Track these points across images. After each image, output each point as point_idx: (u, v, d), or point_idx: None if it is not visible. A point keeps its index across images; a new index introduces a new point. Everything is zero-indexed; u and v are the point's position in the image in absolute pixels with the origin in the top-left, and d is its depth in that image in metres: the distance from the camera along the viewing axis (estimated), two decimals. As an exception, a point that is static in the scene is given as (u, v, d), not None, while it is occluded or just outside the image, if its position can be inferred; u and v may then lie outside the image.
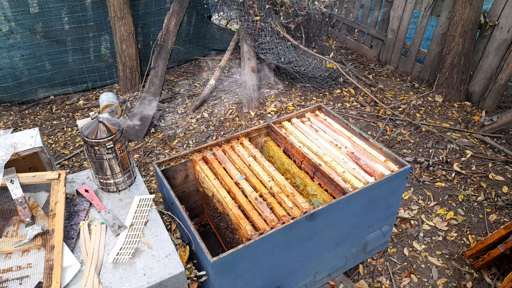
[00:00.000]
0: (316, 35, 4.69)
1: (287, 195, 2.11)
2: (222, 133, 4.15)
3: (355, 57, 5.71)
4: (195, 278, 1.84)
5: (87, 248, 1.71)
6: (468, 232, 2.96)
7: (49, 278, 1.54)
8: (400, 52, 5.16)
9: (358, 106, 4.52)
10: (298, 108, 4.47)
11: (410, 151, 3.77)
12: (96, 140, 1.82)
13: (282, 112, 4.40)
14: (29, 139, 2.19)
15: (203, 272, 1.84)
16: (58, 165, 3.79)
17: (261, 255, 1.86)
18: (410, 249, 2.85)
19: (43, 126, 4.42)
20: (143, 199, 1.97)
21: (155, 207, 1.95)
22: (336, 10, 5.80)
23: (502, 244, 2.35)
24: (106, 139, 1.83)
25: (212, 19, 6.00)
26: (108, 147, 1.85)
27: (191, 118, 4.42)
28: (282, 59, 4.30)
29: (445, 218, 3.07)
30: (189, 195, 2.63)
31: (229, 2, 4.17)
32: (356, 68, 5.27)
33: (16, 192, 1.80)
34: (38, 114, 4.64)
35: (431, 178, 3.44)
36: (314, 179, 2.31)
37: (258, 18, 4.10)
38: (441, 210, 3.13)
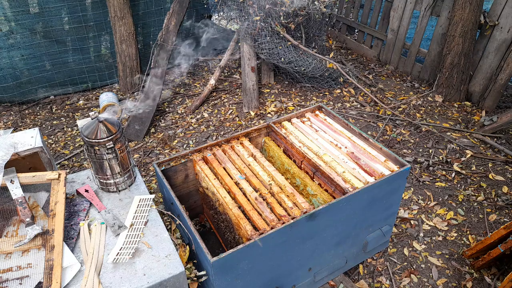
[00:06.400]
0: (316, 35, 4.69)
1: (287, 195, 2.11)
2: (222, 133, 4.15)
3: (355, 57, 5.71)
4: (195, 278, 1.84)
5: (87, 248, 1.71)
6: (468, 232, 2.96)
7: (49, 278, 1.54)
8: (400, 52, 5.16)
9: (358, 106, 4.52)
10: (298, 108, 4.47)
11: (410, 151, 3.77)
12: (96, 140, 1.82)
13: (282, 112, 4.40)
14: (29, 139, 2.19)
15: (203, 272, 1.85)
16: (58, 165, 3.79)
17: (261, 255, 1.86)
18: (410, 249, 2.85)
19: (43, 126, 4.42)
20: (143, 199, 1.98)
21: (155, 207, 1.95)
22: (336, 10, 5.80)
23: (502, 244, 2.35)
24: (106, 139, 1.83)
25: (212, 19, 6.00)
26: (108, 147, 1.85)
27: (191, 118, 4.42)
28: (282, 59, 4.30)
29: (445, 218, 3.07)
30: (189, 195, 2.63)
31: (229, 2, 4.17)
32: (356, 68, 5.27)
33: (16, 192, 1.80)
34: (38, 114, 4.64)
35: (431, 178, 3.44)
36: (314, 179, 2.31)
37: (258, 18, 4.10)
38: (441, 210, 3.13)
